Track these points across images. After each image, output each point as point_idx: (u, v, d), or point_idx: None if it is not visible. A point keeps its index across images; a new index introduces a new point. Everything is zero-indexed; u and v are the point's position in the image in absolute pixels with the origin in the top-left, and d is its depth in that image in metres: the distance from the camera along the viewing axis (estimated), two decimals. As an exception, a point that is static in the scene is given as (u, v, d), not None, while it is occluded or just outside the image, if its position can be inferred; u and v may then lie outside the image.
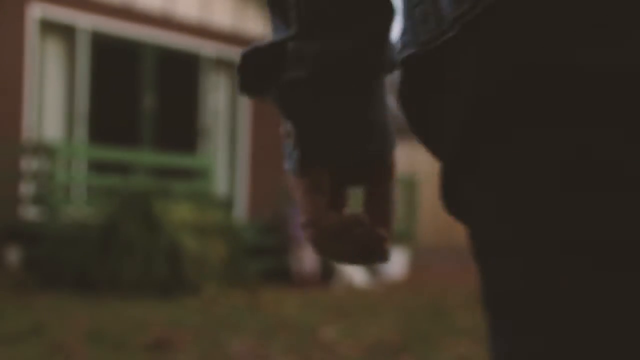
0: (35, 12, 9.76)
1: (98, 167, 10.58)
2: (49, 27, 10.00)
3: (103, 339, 5.42)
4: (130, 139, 11.05)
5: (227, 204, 11.07)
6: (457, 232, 16.91)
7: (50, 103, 10.08)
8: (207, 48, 11.57)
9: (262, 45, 0.68)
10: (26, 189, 9.59)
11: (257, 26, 12.14)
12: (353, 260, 0.70)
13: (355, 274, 10.05)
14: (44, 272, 8.28)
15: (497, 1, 0.54)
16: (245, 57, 0.69)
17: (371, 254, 0.70)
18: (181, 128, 12.34)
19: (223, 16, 11.72)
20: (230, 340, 5.50)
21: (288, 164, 0.70)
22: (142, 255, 7.96)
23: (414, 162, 17.22)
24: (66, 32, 10.14)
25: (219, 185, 11.62)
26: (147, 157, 9.72)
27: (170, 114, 12.52)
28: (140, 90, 11.01)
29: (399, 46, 0.66)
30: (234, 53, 11.82)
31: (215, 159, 11.62)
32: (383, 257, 0.71)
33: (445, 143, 0.61)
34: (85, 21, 10.21)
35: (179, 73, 12.25)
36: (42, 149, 8.98)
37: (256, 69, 0.69)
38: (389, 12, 0.68)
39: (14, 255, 8.45)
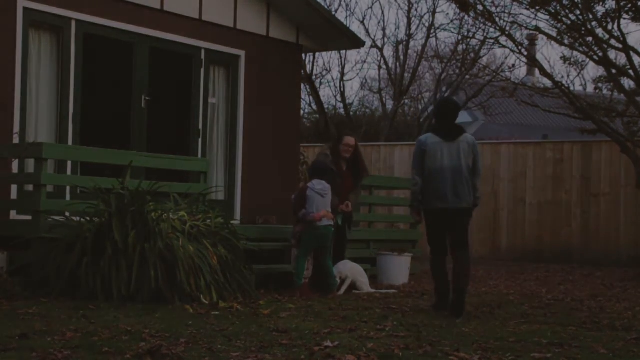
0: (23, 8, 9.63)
1: (89, 169, 10.38)
2: (39, 25, 9.88)
3: (93, 348, 5.38)
4: (124, 140, 10.94)
5: (225, 208, 10.92)
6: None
7: (40, 103, 9.95)
8: (203, 46, 11.51)
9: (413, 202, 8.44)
10: (14, 191, 9.44)
11: (254, 24, 12.08)
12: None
13: (358, 281, 9.99)
14: (32, 277, 8.16)
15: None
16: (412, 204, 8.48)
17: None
18: (176, 129, 12.26)
19: (219, 13, 11.63)
20: (227, 351, 5.45)
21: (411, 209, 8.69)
22: (135, 260, 7.82)
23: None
24: (57, 30, 10.03)
25: (216, 188, 11.48)
26: (140, 158, 9.52)
27: (165, 114, 12.44)
28: (134, 90, 10.90)
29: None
30: (231, 51, 11.79)
31: (212, 161, 11.56)
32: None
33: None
34: (76, 18, 10.09)
35: (174, 72, 12.16)
36: (31, 151, 8.75)
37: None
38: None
39: (0, 261, 8.30)
